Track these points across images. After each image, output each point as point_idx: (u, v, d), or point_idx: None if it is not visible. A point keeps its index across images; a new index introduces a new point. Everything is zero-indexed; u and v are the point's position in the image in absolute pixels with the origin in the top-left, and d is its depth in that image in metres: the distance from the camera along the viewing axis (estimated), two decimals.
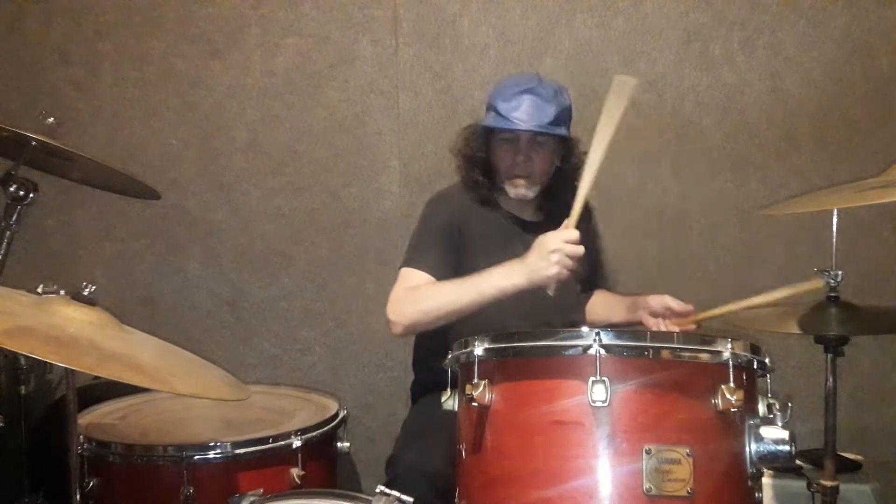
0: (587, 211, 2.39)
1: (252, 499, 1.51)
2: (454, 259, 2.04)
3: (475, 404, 1.40)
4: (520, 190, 2.08)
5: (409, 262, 2.03)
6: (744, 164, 2.57)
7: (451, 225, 2.08)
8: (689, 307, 1.96)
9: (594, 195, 2.48)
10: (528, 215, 2.17)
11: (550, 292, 1.81)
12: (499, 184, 2.12)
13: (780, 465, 1.44)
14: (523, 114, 1.99)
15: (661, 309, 2.00)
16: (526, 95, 2.00)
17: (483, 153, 2.09)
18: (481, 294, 1.86)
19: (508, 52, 2.59)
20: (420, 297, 1.94)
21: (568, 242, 1.78)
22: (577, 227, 2.13)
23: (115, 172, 1.99)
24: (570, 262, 1.78)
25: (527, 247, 2.12)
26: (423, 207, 2.19)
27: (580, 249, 1.79)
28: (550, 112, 2.02)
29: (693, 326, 1.95)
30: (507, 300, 2.06)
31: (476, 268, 2.05)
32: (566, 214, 2.18)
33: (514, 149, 2.04)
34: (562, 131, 2.06)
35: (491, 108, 2.04)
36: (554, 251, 1.77)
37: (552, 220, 2.17)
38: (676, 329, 1.96)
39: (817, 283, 1.79)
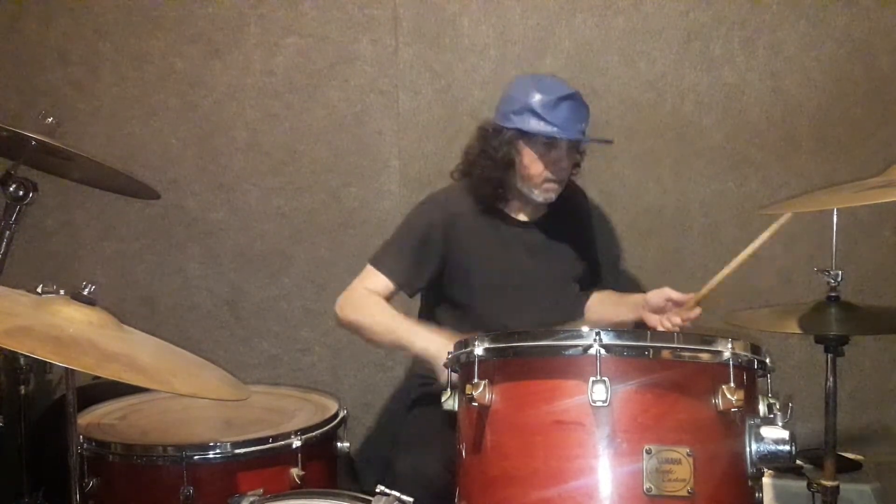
0: (586, 211, 2.39)
1: (252, 499, 1.51)
2: (426, 268, 2.07)
3: (475, 404, 1.40)
4: (550, 194, 2.08)
5: (376, 261, 2.07)
6: (744, 164, 2.57)
7: (434, 230, 2.07)
8: (690, 296, 1.95)
9: (596, 195, 2.51)
10: (525, 216, 2.17)
11: (438, 378, 1.81)
12: (513, 186, 2.11)
13: (781, 465, 1.44)
14: (570, 120, 2.00)
15: (663, 302, 1.99)
16: (566, 102, 2.00)
17: (510, 156, 2.06)
18: (409, 345, 1.94)
19: (508, 52, 2.59)
20: (365, 308, 2.01)
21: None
22: (576, 224, 2.14)
23: (115, 172, 1.99)
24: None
25: (525, 247, 2.13)
26: (413, 207, 2.19)
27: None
28: (587, 116, 2.05)
29: (698, 311, 1.94)
30: (505, 300, 2.08)
31: (470, 269, 2.06)
32: (563, 212, 2.19)
33: (556, 154, 2.04)
34: (610, 138, 2.17)
35: (527, 111, 2.00)
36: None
37: (549, 220, 2.18)
38: (678, 319, 1.96)
39: (786, 217, 1.80)
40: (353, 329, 2.04)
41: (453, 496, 1.53)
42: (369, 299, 2.02)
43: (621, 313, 2.16)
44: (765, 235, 1.83)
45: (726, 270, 1.87)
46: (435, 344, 1.86)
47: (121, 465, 1.82)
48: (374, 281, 2.04)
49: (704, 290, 1.91)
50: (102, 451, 1.81)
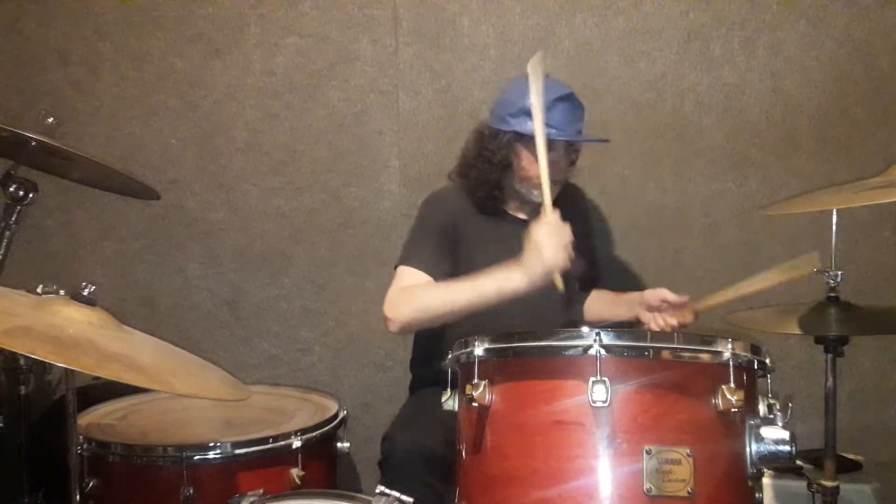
0: (584, 210, 2.39)
1: (252, 499, 1.50)
2: (451, 258, 2.04)
3: (475, 405, 1.40)
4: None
5: (405, 260, 2.03)
6: (744, 164, 2.57)
7: (447, 225, 2.08)
8: (686, 298, 1.95)
9: (596, 195, 2.51)
10: (524, 214, 2.17)
11: (560, 286, 1.79)
12: (511, 187, 2.11)
13: (781, 465, 1.44)
14: (566, 121, 2.00)
15: (658, 302, 1.99)
16: (562, 103, 2.00)
17: (508, 159, 2.06)
18: (480, 296, 1.85)
19: (508, 51, 2.59)
20: (418, 295, 1.94)
21: (559, 233, 1.79)
22: (574, 223, 2.14)
23: (115, 172, 1.99)
24: (568, 252, 1.78)
25: (524, 244, 2.13)
26: (419, 207, 2.19)
27: (570, 237, 1.80)
28: (582, 115, 2.05)
29: (692, 317, 1.94)
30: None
31: (474, 268, 2.06)
32: (562, 211, 2.19)
33: (554, 156, 2.03)
34: (608, 138, 2.17)
35: (524, 114, 1.99)
36: (549, 244, 1.78)
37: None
38: (674, 321, 1.96)
39: (812, 264, 1.77)
40: (415, 321, 1.95)
41: (451, 470, 1.53)
42: (416, 287, 1.96)
43: (618, 312, 2.15)
44: (785, 276, 1.79)
45: (731, 294, 1.85)
46: (514, 278, 1.82)
47: (121, 466, 1.82)
48: (411, 278, 1.99)
49: (703, 305, 1.91)
50: (102, 452, 1.82)
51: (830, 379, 1.80)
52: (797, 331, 1.82)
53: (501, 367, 1.45)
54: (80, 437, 1.79)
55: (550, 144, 2.03)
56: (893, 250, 2.53)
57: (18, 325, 1.27)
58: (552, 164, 2.04)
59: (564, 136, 2.01)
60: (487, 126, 2.10)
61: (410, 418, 2.04)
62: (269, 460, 1.84)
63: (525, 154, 2.04)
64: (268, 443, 1.84)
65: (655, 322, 1.99)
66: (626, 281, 2.56)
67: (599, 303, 2.27)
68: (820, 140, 2.54)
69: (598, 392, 1.32)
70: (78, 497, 1.60)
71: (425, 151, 2.63)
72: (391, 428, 2.00)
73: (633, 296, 2.10)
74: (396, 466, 1.81)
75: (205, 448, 1.79)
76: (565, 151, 2.07)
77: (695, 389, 1.37)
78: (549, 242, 1.78)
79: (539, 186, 2.07)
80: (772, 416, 1.43)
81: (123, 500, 1.84)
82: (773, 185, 2.55)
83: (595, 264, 2.34)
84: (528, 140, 2.02)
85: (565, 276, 1.80)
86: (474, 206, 2.12)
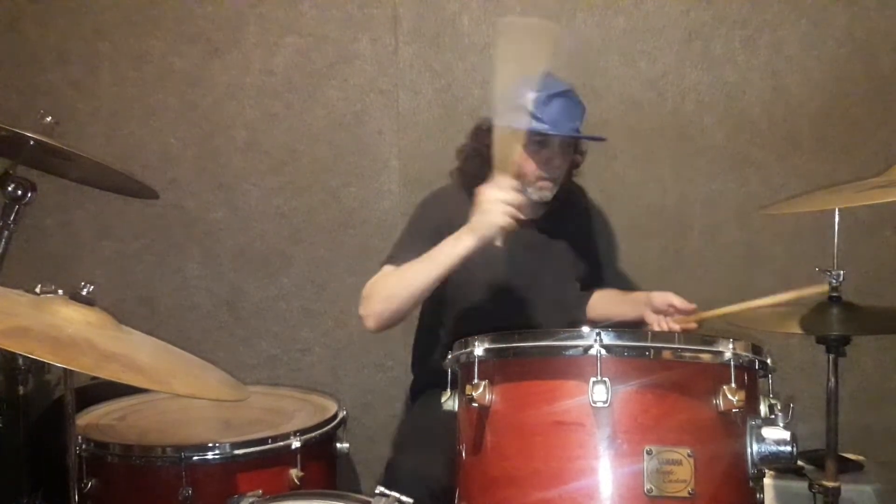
0: (585, 211, 2.38)
1: (251, 500, 1.50)
2: None
3: (475, 405, 1.40)
4: (544, 192, 2.06)
5: (391, 259, 2.03)
6: (744, 164, 2.56)
7: (442, 227, 2.06)
8: (693, 305, 1.95)
9: (596, 195, 2.50)
10: (524, 215, 2.16)
11: (499, 243, 1.81)
12: None
13: (782, 465, 1.44)
14: (561, 117, 1.98)
15: (665, 306, 1.99)
16: (558, 99, 1.98)
17: None
18: (438, 265, 1.85)
19: None
20: (381, 286, 1.95)
21: (503, 192, 1.80)
22: (575, 223, 2.10)
23: (114, 172, 1.98)
24: (511, 210, 1.78)
25: (525, 246, 2.13)
26: (415, 208, 2.18)
27: (518, 197, 1.80)
28: (580, 114, 2.03)
29: (694, 325, 1.94)
30: (506, 299, 2.06)
31: (471, 269, 2.05)
32: (563, 211, 2.18)
33: (548, 152, 2.02)
34: (602, 136, 2.12)
35: (517, 108, 1.96)
36: (492, 202, 1.79)
37: (549, 219, 2.18)
38: (677, 327, 1.95)
39: (822, 288, 1.78)
40: (387, 311, 1.93)
41: (453, 495, 1.53)
42: (378, 280, 1.98)
43: (624, 310, 2.15)
44: (795, 294, 1.80)
45: (738, 307, 1.86)
46: (462, 240, 1.84)
47: (119, 466, 1.82)
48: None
49: (709, 314, 1.91)
50: (101, 452, 1.81)
51: (832, 379, 1.79)
52: (798, 331, 1.82)
53: (501, 367, 1.44)
54: (79, 437, 1.78)
55: (544, 140, 2.02)
56: (894, 250, 2.52)
57: (17, 325, 1.27)
58: (546, 162, 2.04)
59: (557, 132, 2.00)
60: (484, 121, 2.10)
61: (412, 442, 2.02)
62: (268, 461, 1.84)
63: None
64: (267, 443, 1.83)
65: (659, 325, 1.98)
66: (626, 281, 2.55)
67: (605, 301, 2.26)
68: (821, 140, 2.53)
69: (599, 392, 1.31)
70: (77, 497, 1.60)
71: (425, 151, 2.63)
72: (393, 454, 1.99)
73: (640, 296, 2.10)
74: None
75: (204, 448, 1.78)
76: (561, 149, 2.05)
77: (696, 390, 1.37)
78: (494, 201, 1.79)
79: (533, 183, 2.06)
80: (773, 417, 1.42)
81: (122, 500, 1.84)
82: (774, 184, 2.55)
83: (597, 264, 2.33)
84: (524, 137, 2.02)
85: (510, 235, 1.81)
86: (472, 206, 2.11)
